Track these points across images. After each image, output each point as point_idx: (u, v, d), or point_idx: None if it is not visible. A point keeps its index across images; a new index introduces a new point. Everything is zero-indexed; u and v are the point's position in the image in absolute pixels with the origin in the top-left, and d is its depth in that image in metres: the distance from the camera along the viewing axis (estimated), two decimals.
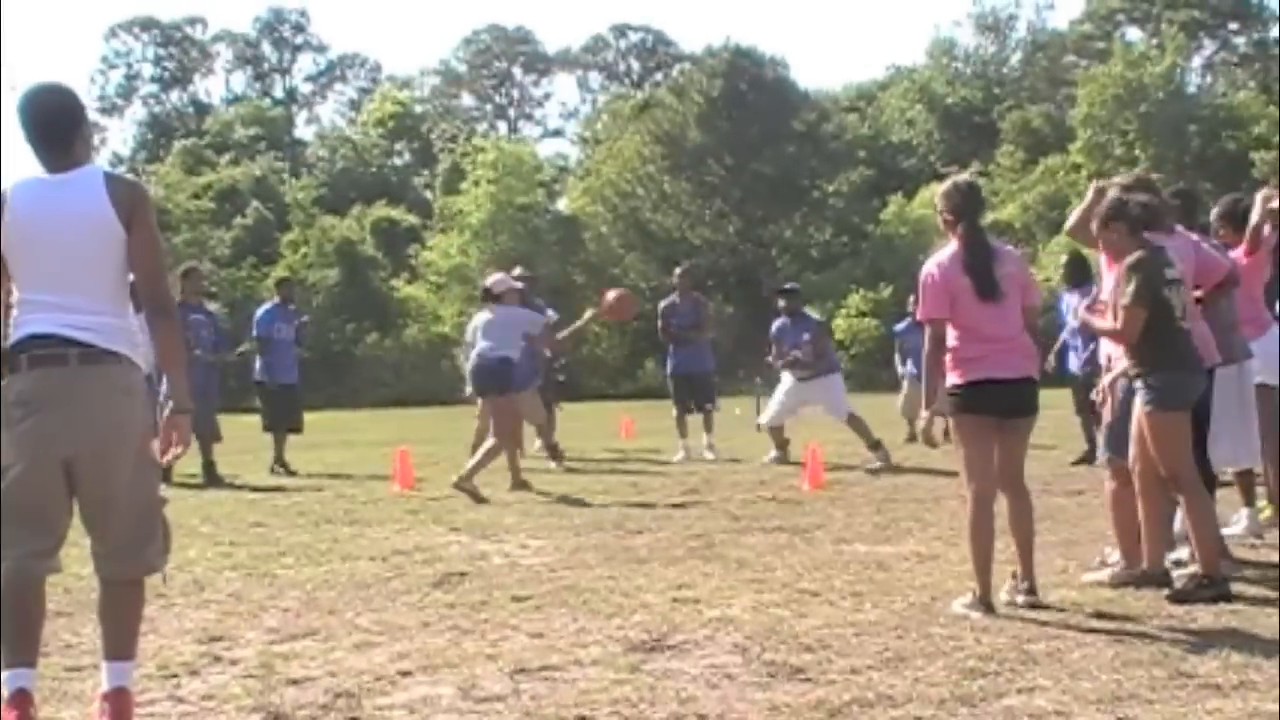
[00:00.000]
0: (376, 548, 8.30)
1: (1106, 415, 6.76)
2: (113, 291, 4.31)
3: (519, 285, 12.39)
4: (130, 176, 4.58)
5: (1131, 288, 6.02)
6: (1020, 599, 5.98)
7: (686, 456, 14.38)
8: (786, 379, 14.15)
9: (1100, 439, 6.83)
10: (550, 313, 18.25)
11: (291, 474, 13.89)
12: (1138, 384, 6.19)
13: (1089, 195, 6.84)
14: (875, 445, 12.88)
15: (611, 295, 12.08)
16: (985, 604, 5.89)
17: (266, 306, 15.37)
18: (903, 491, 10.74)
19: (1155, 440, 6.12)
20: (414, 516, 9.91)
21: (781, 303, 14.51)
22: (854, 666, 4.94)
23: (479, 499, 10.52)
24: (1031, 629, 5.51)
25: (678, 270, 16.51)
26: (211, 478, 13.04)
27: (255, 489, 12.48)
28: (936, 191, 6.67)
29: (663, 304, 15.71)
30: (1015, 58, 64.14)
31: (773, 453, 13.79)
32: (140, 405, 4.33)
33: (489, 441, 11.43)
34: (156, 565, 4.43)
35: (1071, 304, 12.10)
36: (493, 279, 12.40)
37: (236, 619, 6.13)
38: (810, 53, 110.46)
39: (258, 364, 14.85)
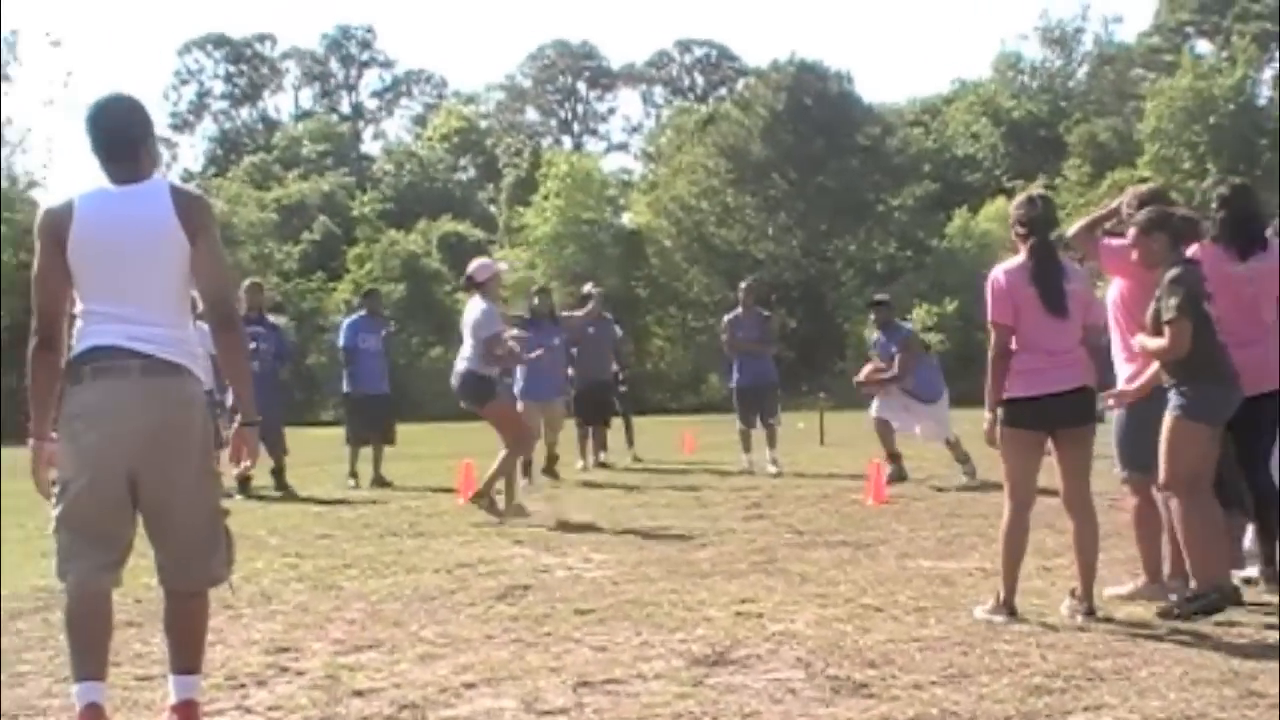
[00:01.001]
0: (441, 560, 8.34)
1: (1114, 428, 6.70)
2: (175, 303, 4.33)
3: (502, 268, 11.63)
4: (195, 190, 4.61)
5: (1175, 301, 5.93)
6: (1079, 618, 5.95)
7: (750, 470, 14.34)
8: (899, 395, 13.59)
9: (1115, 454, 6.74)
10: (617, 330, 18.36)
11: (387, 485, 13.91)
12: (1171, 393, 6.08)
13: (1107, 205, 6.84)
14: (964, 459, 12.70)
15: None
16: (1008, 609, 6.02)
17: (351, 318, 15.46)
18: (967, 506, 10.66)
19: (1170, 444, 6.01)
20: (478, 529, 9.95)
21: (872, 316, 14.35)
22: (917, 682, 4.91)
23: (495, 513, 10.38)
24: (1098, 645, 5.45)
25: (742, 285, 16.39)
26: (281, 485, 13.16)
27: (321, 501, 12.57)
28: (1008, 205, 6.68)
29: (726, 318, 15.68)
30: (1082, 71, 63.65)
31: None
32: (201, 417, 4.33)
33: (501, 452, 10.85)
34: (220, 576, 4.45)
35: None
36: (475, 264, 11.35)
37: (303, 630, 6.18)
38: (874, 67, 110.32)
39: (344, 376, 14.89)
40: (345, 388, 14.94)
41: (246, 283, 14.43)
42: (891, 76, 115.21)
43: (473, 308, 10.85)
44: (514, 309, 16.14)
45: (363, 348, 14.73)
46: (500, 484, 10.61)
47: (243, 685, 5.14)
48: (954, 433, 13.03)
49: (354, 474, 14.29)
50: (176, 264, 4.28)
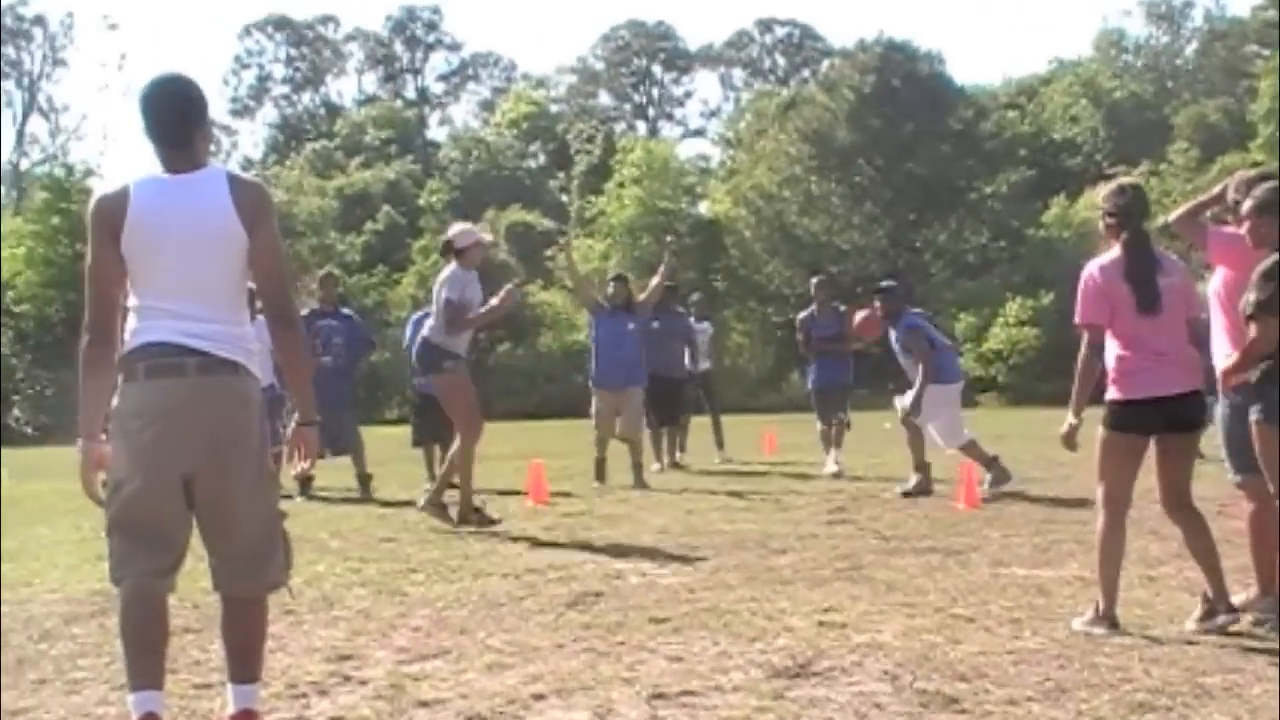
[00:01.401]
0: (509, 565, 8.38)
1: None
2: (232, 298, 4.35)
3: (486, 239, 11.10)
4: (253, 178, 4.58)
5: (1262, 296, 5.68)
6: (1221, 619, 5.89)
7: (839, 471, 14.35)
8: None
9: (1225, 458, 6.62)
10: (706, 324, 18.34)
11: (455, 487, 13.97)
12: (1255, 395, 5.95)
13: (1214, 189, 6.74)
14: (991, 462, 12.38)
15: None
16: (1109, 620, 5.98)
17: (417, 314, 15.20)
18: (1064, 512, 10.56)
19: (1263, 454, 5.91)
20: (548, 533, 9.99)
21: (876, 303, 13.25)
22: (1012, 697, 4.88)
23: (487, 521, 10.33)
24: (1206, 660, 5.39)
25: (814, 280, 16.30)
26: (365, 491, 13.34)
27: (385, 503, 12.67)
28: (1099, 194, 6.59)
29: (802, 315, 15.65)
30: (1190, 48, 62.98)
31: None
32: (257, 416, 4.35)
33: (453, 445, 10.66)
34: (279, 581, 4.47)
35: None
36: (456, 229, 10.91)
37: (366, 637, 6.23)
38: (967, 46, 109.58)
39: (411, 374, 14.59)
40: (411, 386, 14.85)
41: (321, 274, 14.59)
42: (985, 56, 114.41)
43: (443, 271, 10.58)
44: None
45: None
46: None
47: (304, 694, 5.20)
48: (969, 436, 12.65)
49: (432, 477, 14.18)
50: (234, 257, 4.29)
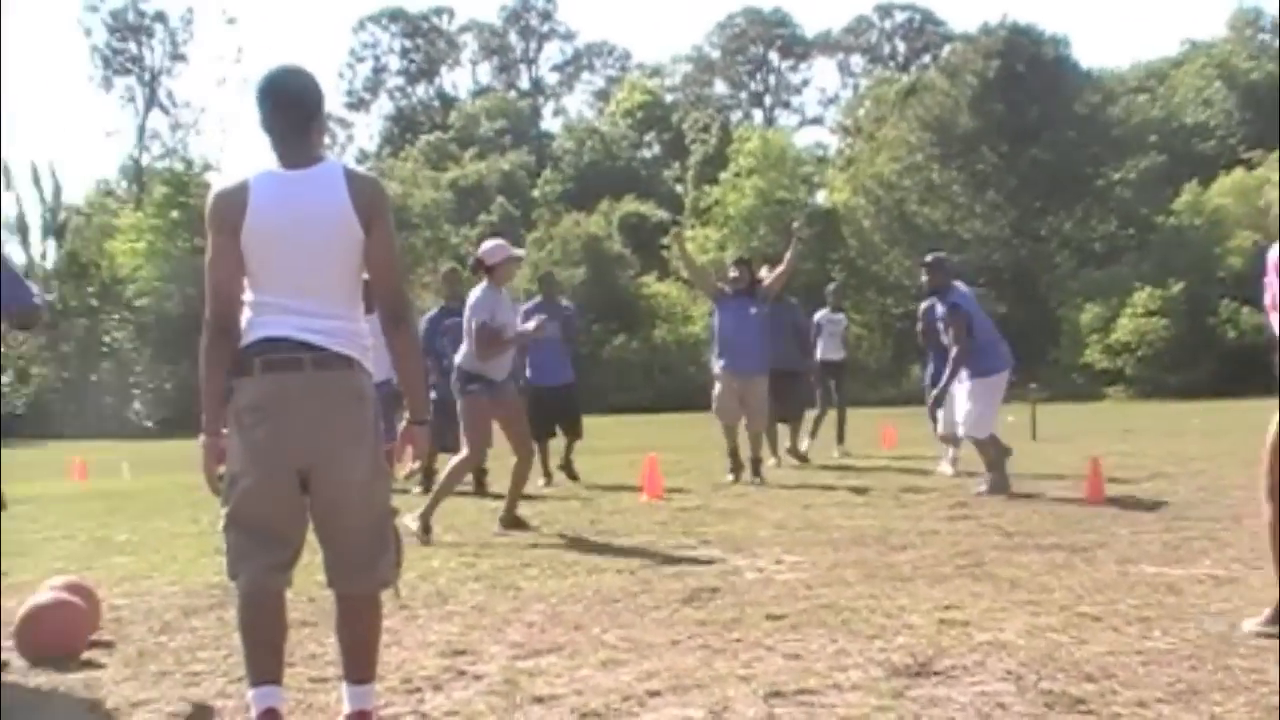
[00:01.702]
0: (623, 560, 8.40)
1: None
2: (348, 294, 4.37)
3: (519, 254, 10.67)
4: (370, 174, 4.59)
5: None
6: None
7: (954, 471, 14.01)
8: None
9: None
10: (840, 316, 18.19)
11: (575, 478, 14.20)
12: None
13: None
14: (996, 463, 11.99)
15: None
16: None
17: (527, 305, 14.84)
18: (1196, 508, 10.37)
19: None
20: (663, 527, 10.00)
21: (924, 278, 12.86)
22: (1141, 699, 4.79)
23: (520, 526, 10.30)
24: None
25: (927, 260, 15.60)
26: (480, 486, 13.41)
27: (498, 497, 12.75)
28: (1245, 177, 6.40)
29: (923, 305, 15.04)
30: None
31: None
32: (371, 412, 4.36)
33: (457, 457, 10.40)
34: (388, 580, 4.49)
35: None
36: (488, 245, 10.52)
37: (480, 632, 6.28)
38: (1094, 29, 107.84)
39: (525, 366, 14.47)
40: (524, 379, 14.57)
41: (444, 270, 14.71)
42: (1113, 39, 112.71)
43: (473, 292, 10.29)
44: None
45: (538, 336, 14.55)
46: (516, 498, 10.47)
47: (418, 689, 5.25)
48: (992, 432, 12.22)
49: (546, 473, 14.21)
50: (351, 253, 4.31)
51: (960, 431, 12.43)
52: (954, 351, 12.10)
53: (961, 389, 12.19)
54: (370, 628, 4.50)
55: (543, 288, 15.60)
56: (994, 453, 12.09)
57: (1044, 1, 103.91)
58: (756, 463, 13.64)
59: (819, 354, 17.41)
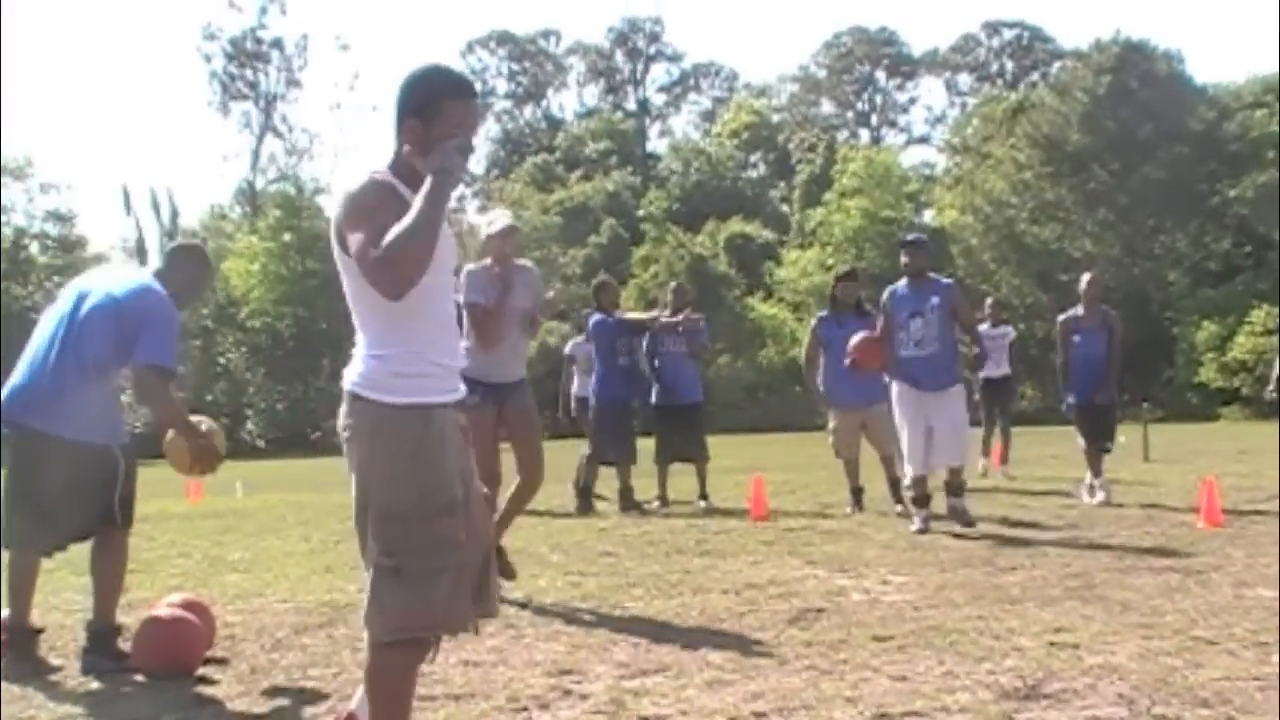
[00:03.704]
0: (729, 580, 8.39)
1: None
2: (362, 323, 4.11)
3: (505, 226, 8.52)
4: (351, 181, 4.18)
5: None
6: None
7: (1106, 498, 12.76)
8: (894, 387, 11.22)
9: None
10: (1007, 328, 17.86)
11: (709, 506, 13.69)
12: None
13: None
14: (957, 491, 10.99)
15: None
16: None
17: (597, 316, 14.28)
18: None
19: None
20: (769, 548, 9.98)
21: (904, 259, 11.21)
22: None
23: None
24: None
25: (1085, 278, 13.98)
26: (629, 503, 13.36)
27: (605, 517, 12.81)
28: None
29: (1061, 318, 13.76)
30: None
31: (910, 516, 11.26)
32: (365, 444, 4.04)
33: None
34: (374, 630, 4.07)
35: None
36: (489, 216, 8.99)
37: (586, 652, 6.30)
38: (1208, 43, 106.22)
39: (652, 385, 14.34)
40: (653, 399, 14.35)
41: (595, 282, 14.83)
42: (1228, 53, 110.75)
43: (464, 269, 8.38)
44: (814, 314, 15.21)
45: (666, 351, 14.16)
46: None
47: (525, 708, 5.28)
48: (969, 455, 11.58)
49: (662, 497, 13.86)
50: (347, 277, 4.08)
51: (947, 459, 11.05)
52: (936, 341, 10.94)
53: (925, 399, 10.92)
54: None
55: (674, 301, 14.66)
56: (892, 466, 11.82)
57: (1157, 17, 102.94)
58: (894, 484, 12.28)
59: (981, 372, 15.84)
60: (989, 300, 19.25)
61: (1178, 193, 47.54)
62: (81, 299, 6.26)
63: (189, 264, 6.69)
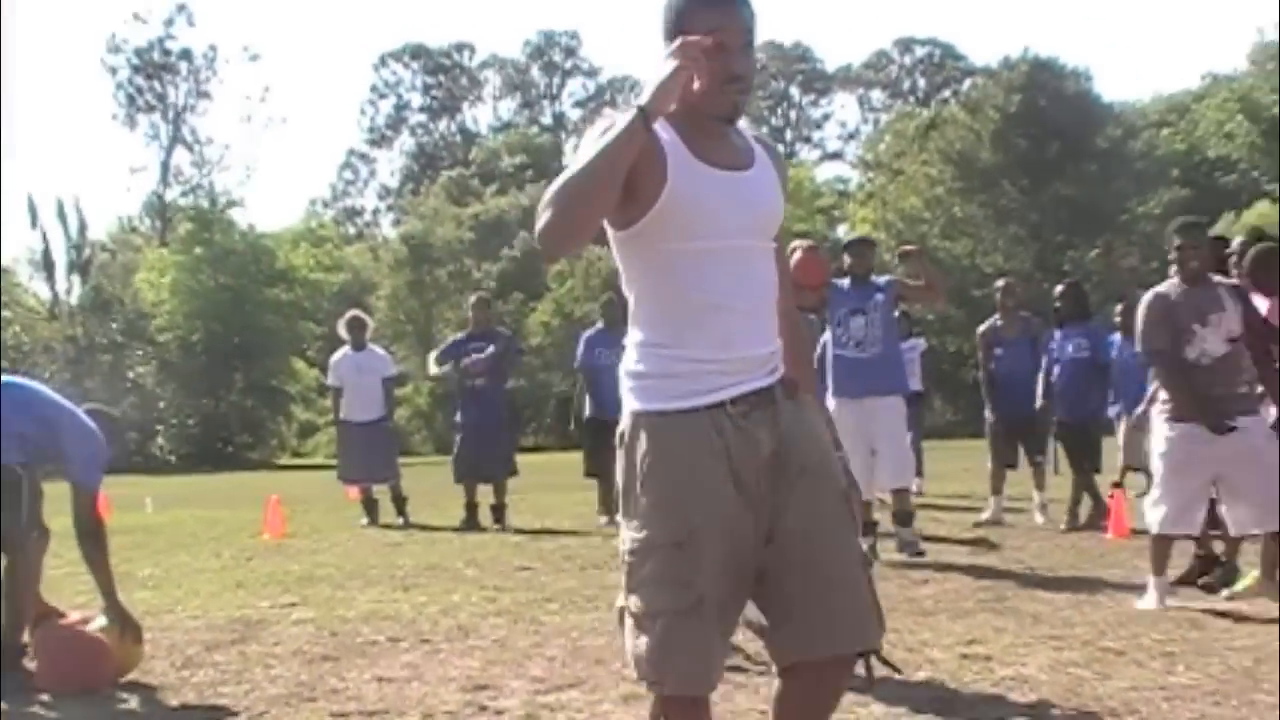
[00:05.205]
0: None
1: None
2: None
3: None
4: None
5: None
6: None
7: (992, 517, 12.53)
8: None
9: None
10: (919, 341, 17.77)
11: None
12: None
13: None
14: (907, 519, 10.32)
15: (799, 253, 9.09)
16: None
17: (588, 333, 14.42)
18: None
19: None
20: None
21: (847, 259, 10.63)
22: None
23: None
24: None
25: (999, 285, 14.11)
26: (499, 519, 13.32)
27: (520, 531, 12.77)
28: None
29: (980, 329, 13.66)
30: None
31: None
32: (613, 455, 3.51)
33: None
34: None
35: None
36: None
37: (501, 667, 6.28)
38: (1116, 63, 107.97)
39: (586, 399, 14.09)
40: (586, 412, 14.02)
41: (473, 298, 14.69)
42: (1135, 73, 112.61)
43: None
44: None
45: (596, 364, 13.63)
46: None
47: None
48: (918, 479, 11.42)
49: (608, 509, 13.21)
50: None
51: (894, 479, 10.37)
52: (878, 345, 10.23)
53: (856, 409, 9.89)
54: None
55: (605, 314, 14.30)
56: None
57: (1065, 35, 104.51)
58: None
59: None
60: (897, 313, 19.25)
61: (1086, 209, 48.20)
62: None
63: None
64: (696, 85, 3.18)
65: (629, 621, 3.33)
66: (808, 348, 3.85)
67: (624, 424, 3.34)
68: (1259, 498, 7.33)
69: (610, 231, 3.30)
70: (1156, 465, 7.74)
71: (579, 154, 3.11)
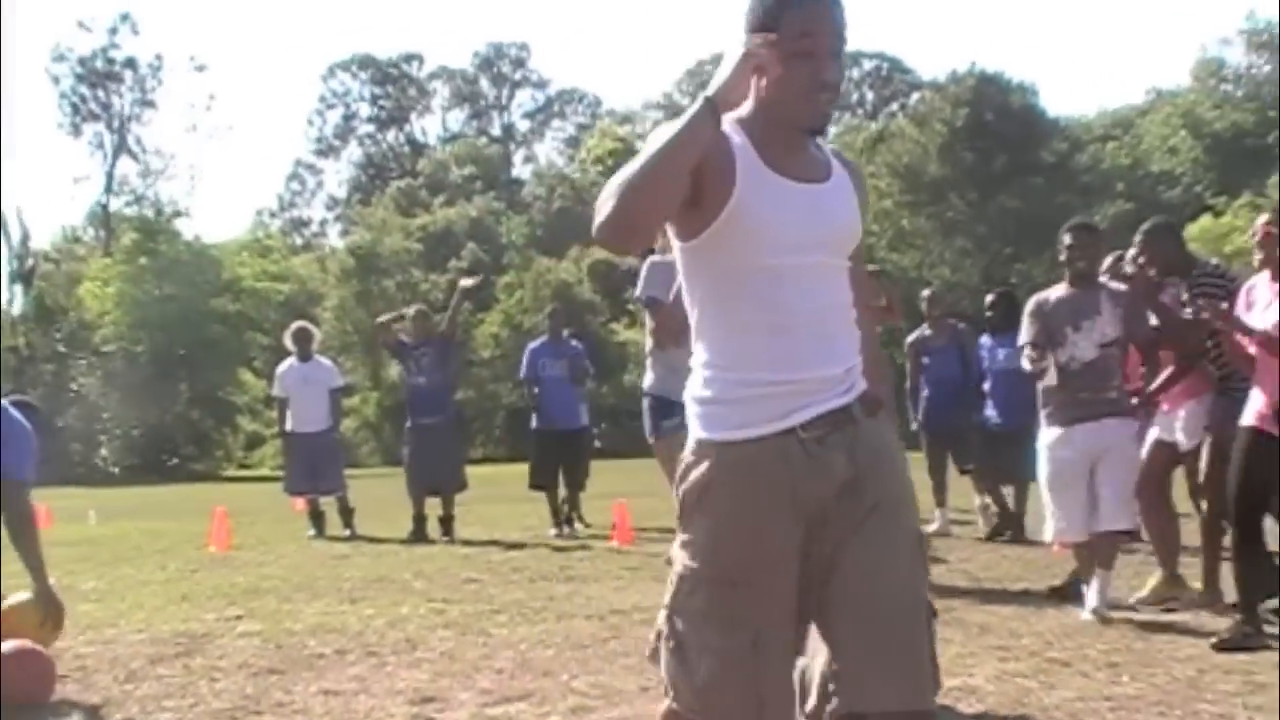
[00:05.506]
0: (593, 606, 8.38)
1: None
2: None
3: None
4: None
5: None
6: None
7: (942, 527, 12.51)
8: None
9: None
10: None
11: (586, 525, 14.09)
12: None
13: None
14: None
15: None
16: None
17: (533, 344, 14.56)
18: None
19: None
20: (633, 573, 9.98)
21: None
22: None
23: None
24: None
25: (925, 294, 14.14)
26: (447, 531, 13.26)
27: (469, 543, 12.73)
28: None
29: (909, 339, 13.61)
30: None
31: None
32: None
33: None
34: None
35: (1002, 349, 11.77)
36: None
37: (449, 679, 6.25)
38: (1061, 77, 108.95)
39: (534, 411, 14.34)
40: (534, 423, 14.33)
41: (412, 310, 14.66)
42: (1080, 88, 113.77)
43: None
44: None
45: (543, 375, 13.98)
46: None
47: None
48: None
49: (558, 521, 13.73)
50: None
51: None
52: None
53: None
54: None
55: (550, 324, 14.77)
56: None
57: (1011, 50, 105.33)
58: None
59: None
60: None
61: (1032, 223, 48.50)
62: None
63: None
64: (764, 85, 3.04)
65: (670, 643, 3.10)
66: (888, 370, 3.72)
67: (688, 450, 3.14)
68: (1118, 496, 7.58)
69: (676, 245, 3.14)
70: (1040, 476, 7.89)
71: (645, 146, 2.97)
